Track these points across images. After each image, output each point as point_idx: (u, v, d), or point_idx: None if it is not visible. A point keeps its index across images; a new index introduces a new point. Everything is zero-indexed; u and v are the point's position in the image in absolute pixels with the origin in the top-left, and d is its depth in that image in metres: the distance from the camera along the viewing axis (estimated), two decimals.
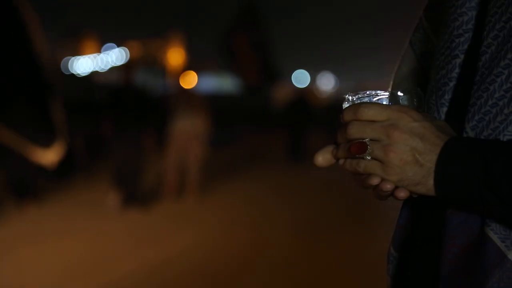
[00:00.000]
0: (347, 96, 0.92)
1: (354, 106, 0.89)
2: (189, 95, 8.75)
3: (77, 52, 34.27)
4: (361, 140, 0.88)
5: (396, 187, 0.87)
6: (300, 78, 48.34)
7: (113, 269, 5.20)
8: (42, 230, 6.49)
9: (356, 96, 0.92)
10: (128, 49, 33.36)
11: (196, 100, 8.75)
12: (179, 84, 9.06)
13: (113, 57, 35.03)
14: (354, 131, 0.88)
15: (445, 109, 0.96)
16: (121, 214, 7.50)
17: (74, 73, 29.04)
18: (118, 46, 35.33)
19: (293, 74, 48.79)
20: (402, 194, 0.88)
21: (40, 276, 5.05)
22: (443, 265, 0.89)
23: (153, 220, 7.20)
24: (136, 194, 7.87)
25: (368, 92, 0.91)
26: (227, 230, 6.82)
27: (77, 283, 4.89)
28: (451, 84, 0.95)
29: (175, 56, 34.80)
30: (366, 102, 0.89)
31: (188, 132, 8.51)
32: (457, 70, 0.95)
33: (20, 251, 5.75)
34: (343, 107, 0.92)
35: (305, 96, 14.63)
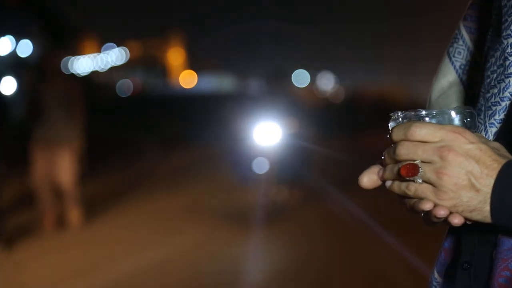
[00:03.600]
0: (394, 114, 0.87)
1: (405, 125, 0.84)
2: (60, 84, 6.43)
3: (77, 52, 34.24)
4: (412, 162, 0.83)
5: (450, 213, 0.83)
6: (300, 78, 48.36)
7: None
8: (42, 229, 6.43)
9: (404, 115, 0.87)
10: (128, 48, 33.36)
11: (70, 91, 6.49)
12: (47, 66, 6.46)
13: (113, 56, 35.02)
14: (404, 152, 0.83)
15: (494, 129, 0.91)
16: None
17: (74, 72, 29.01)
18: (118, 45, 35.33)
19: (293, 74, 48.84)
20: (456, 220, 0.83)
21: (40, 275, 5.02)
22: None
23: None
24: None
25: (417, 111, 0.86)
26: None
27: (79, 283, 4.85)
28: (503, 104, 0.90)
29: (175, 56, 34.83)
30: (417, 121, 0.84)
31: (54, 139, 6.34)
32: (510, 89, 0.90)
33: (20, 250, 5.71)
34: (390, 126, 0.87)
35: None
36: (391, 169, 0.86)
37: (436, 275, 1.00)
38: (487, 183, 0.80)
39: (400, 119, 0.87)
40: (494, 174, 0.80)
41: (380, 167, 0.89)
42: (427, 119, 0.85)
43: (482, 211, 0.81)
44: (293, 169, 7.50)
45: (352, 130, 18.80)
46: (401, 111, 0.87)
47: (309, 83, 47.11)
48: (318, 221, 6.99)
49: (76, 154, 6.52)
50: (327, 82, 46.31)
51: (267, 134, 7.30)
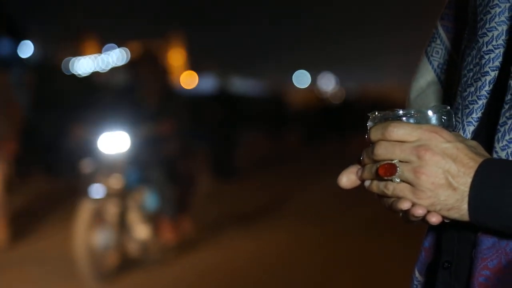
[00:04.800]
0: (372, 114, 0.88)
1: (382, 125, 0.85)
2: None
3: (78, 52, 34.28)
4: (389, 162, 0.84)
5: (428, 212, 0.83)
6: (301, 78, 48.41)
7: None
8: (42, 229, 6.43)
9: (382, 115, 0.87)
10: (129, 49, 33.38)
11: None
12: None
13: (113, 57, 35.05)
14: (382, 152, 0.84)
15: (472, 128, 0.91)
16: None
17: (75, 73, 29.08)
18: (119, 46, 35.37)
19: (293, 74, 48.89)
20: (434, 219, 0.83)
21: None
22: None
23: None
24: None
25: (395, 111, 0.87)
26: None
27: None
28: (480, 102, 0.91)
29: (176, 57, 34.89)
30: (395, 121, 0.85)
31: None
32: (487, 88, 0.90)
33: (20, 251, 5.72)
34: (368, 126, 0.88)
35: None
36: (370, 169, 0.87)
37: (417, 274, 1.00)
38: (464, 181, 0.81)
39: (378, 119, 0.87)
40: (471, 173, 0.81)
41: (359, 167, 0.90)
42: (404, 118, 0.86)
43: (460, 209, 0.82)
44: (159, 196, 5.30)
45: (341, 132, 18.58)
46: (379, 111, 0.88)
47: (309, 84, 47.19)
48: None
49: (5, 158, 5.88)
50: (328, 83, 46.31)
51: (113, 146, 5.09)
